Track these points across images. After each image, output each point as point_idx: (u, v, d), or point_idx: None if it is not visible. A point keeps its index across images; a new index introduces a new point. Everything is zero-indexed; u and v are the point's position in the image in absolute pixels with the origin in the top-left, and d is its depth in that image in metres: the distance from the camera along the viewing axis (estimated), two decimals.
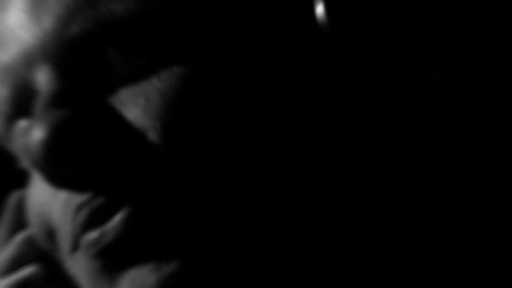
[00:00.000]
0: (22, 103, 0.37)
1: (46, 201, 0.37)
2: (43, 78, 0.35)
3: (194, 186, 0.33)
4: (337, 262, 0.37)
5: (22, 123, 0.38)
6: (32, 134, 0.33)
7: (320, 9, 0.36)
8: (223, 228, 0.34)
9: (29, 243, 0.41)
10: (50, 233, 0.37)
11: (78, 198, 0.34)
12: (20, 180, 0.41)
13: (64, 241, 0.36)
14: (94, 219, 0.34)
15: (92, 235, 0.34)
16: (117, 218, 0.33)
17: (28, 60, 0.35)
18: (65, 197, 0.35)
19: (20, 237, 0.42)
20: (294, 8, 0.37)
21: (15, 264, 0.41)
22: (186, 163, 0.33)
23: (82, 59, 0.34)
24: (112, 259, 0.34)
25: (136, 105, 0.33)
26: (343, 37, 0.36)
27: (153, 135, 0.33)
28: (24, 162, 0.39)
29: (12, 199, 0.44)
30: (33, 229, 0.39)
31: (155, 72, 0.34)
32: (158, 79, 0.33)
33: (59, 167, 0.33)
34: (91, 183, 0.34)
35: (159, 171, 0.33)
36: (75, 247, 0.35)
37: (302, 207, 0.36)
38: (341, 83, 0.36)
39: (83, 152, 0.33)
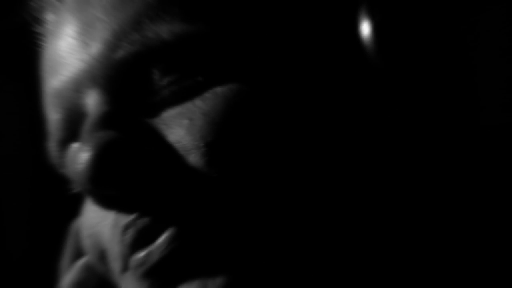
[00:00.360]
0: (73, 127, 0.38)
1: (97, 223, 0.37)
2: (91, 102, 0.36)
3: (236, 204, 0.33)
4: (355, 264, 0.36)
5: (73, 148, 0.39)
6: (78, 156, 0.33)
7: (366, 31, 0.35)
8: (267, 243, 0.33)
9: (89, 269, 0.42)
10: (102, 255, 0.38)
11: (125, 219, 0.35)
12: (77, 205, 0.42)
13: (115, 262, 0.37)
14: (141, 239, 0.34)
15: (139, 255, 0.34)
16: (162, 238, 0.33)
17: (77, 85, 0.37)
18: (114, 218, 0.36)
19: (81, 262, 0.43)
20: (340, 28, 0.36)
21: None
22: (229, 183, 0.33)
23: (128, 82, 0.35)
24: (159, 278, 0.34)
25: (180, 126, 0.34)
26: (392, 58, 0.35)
27: (196, 155, 0.33)
28: (76, 186, 0.40)
29: (74, 225, 0.45)
30: (86, 251, 0.40)
31: (198, 93, 0.34)
32: (201, 100, 0.34)
33: (104, 189, 0.33)
34: (136, 203, 0.34)
35: (202, 191, 0.33)
36: (125, 267, 0.36)
37: (340, 221, 0.35)
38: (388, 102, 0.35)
39: (127, 173, 0.33)
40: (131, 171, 0.33)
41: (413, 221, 0.37)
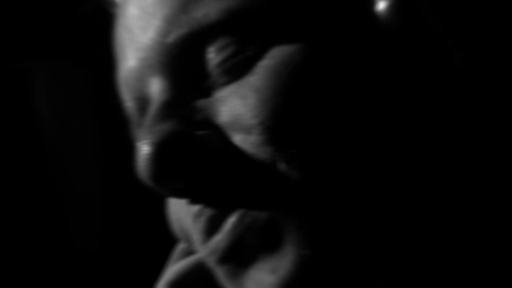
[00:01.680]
0: (144, 115, 0.38)
1: (178, 208, 0.38)
2: (153, 91, 0.36)
3: (301, 185, 0.32)
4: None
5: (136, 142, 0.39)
6: (138, 152, 0.34)
7: None
8: (338, 229, 0.33)
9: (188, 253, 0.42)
10: (188, 240, 0.38)
11: (195, 207, 0.35)
12: None
13: (197, 247, 0.37)
14: (211, 227, 0.34)
15: (211, 243, 0.34)
16: (228, 225, 0.33)
17: (139, 74, 0.37)
18: (187, 206, 0.36)
19: (180, 248, 0.43)
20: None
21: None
22: (289, 162, 0.32)
23: (183, 65, 0.35)
24: (232, 264, 0.34)
25: (234, 105, 0.33)
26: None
27: (254, 134, 0.32)
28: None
29: None
30: (178, 236, 0.40)
31: (250, 68, 0.33)
32: (252, 76, 0.33)
33: (165, 185, 0.34)
34: (201, 193, 0.34)
35: (262, 172, 0.33)
36: (204, 254, 0.36)
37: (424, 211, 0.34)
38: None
39: (186, 166, 0.33)
40: (190, 163, 0.33)
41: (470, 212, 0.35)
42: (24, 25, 1.32)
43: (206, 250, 0.35)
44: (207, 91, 0.35)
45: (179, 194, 0.35)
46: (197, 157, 0.33)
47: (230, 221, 0.33)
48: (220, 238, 0.34)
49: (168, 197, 0.36)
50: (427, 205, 0.34)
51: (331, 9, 0.34)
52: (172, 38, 0.35)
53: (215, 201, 0.34)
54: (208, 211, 0.34)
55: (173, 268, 0.41)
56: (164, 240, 0.43)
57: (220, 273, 0.35)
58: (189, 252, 0.41)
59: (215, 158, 0.33)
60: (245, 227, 0.33)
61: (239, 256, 0.34)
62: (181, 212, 0.37)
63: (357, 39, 0.34)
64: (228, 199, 0.34)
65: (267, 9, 0.34)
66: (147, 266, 0.56)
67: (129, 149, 0.39)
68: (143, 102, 0.38)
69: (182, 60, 0.35)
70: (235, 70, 0.34)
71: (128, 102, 0.39)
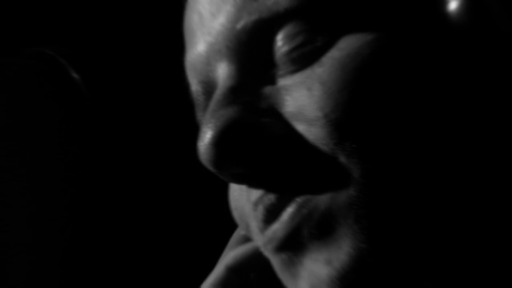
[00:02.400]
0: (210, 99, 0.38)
1: (238, 197, 0.38)
2: (220, 75, 0.37)
3: (361, 181, 0.33)
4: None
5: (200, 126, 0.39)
6: (201, 136, 0.34)
7: None
8: (396, 225, 0.33)
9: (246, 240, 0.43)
10: (246, 227, 0.39)
11: (255, 194, 0.35)
12: None
13: (255, 235, 0.37)
14: (269, 216, 0.35)
15: (268, 231, 0.35)
16: (286, 214, 0.34)
17: (207, 58, 0.38)
18: (247, 193, 0.36)
19: (237, 234, 0.44)
20: None
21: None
22: (350, 157, 0.32)
23: (251, 51, 0.36)
24: (288, 253, 0.35)
25: (300, 96, 0.34)
26: None
27: (318, 127, 0.33)
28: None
29: None
30: (237, 223, 0.41)
31: (317, 58, 0.34)
32: (319, 67, 0.34)
33: (225, 169, 0.34)
34: (260, 180, 0.35)
35: (321, 163, 0.33)
36: (262, 242, 0.36)
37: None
38: None
39: (246, 152, 0.34)
40: (251, 150, 0.34)
41: None
42: None
43: (263, 239, 0.35)
44: (272, 79, 0.35)
45: (238, 180, 0.36)
46: (258, 144, 0.34)
47: (288, 211, 0.34)
48: (278, 227, 0.34)
49: (228, 182, 0.37)
50: (480, 203, 0.34)
51: (402, 5, 0.34)
52: (241, 24, 0.35)
53: (274, 188, 0.34)
54: (267, 200, 0.34)
55: (232, 254, 0.41)
56: None
57: (276, 261, 0.36)
58: (247, 239, 0.41)
59: (276, 146, 0.34)
60: (303, 218, 0.33)
61: (295, 246, 0.34)
62: (241, 200, 0.38)
63: (427, 38, 0.34)
64: (286, 187, 0.34)
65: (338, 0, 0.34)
66: None
67: None
68: (209, 86, 0.38)
69: (250, 47, 0.36)
70: (303, 60, 0.34)
71: (194, 85, 0.40)
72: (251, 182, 0.35)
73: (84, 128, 0.74)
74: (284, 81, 0.35)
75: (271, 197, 0.35)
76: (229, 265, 0.41)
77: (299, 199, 0.34)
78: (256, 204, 0.35)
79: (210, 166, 0.34)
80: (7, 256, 0.75)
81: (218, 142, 0.33)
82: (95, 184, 0.74)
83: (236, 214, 0.40)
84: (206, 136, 0.34)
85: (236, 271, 0.41)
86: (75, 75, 0.74)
